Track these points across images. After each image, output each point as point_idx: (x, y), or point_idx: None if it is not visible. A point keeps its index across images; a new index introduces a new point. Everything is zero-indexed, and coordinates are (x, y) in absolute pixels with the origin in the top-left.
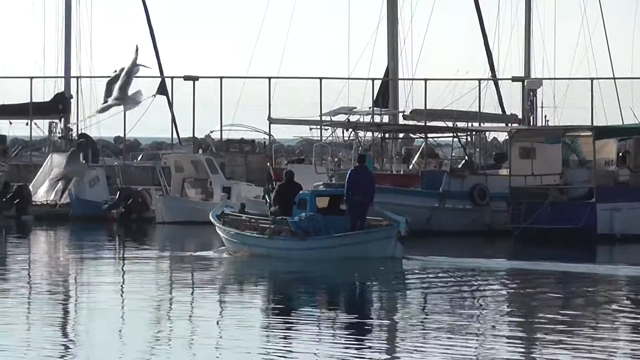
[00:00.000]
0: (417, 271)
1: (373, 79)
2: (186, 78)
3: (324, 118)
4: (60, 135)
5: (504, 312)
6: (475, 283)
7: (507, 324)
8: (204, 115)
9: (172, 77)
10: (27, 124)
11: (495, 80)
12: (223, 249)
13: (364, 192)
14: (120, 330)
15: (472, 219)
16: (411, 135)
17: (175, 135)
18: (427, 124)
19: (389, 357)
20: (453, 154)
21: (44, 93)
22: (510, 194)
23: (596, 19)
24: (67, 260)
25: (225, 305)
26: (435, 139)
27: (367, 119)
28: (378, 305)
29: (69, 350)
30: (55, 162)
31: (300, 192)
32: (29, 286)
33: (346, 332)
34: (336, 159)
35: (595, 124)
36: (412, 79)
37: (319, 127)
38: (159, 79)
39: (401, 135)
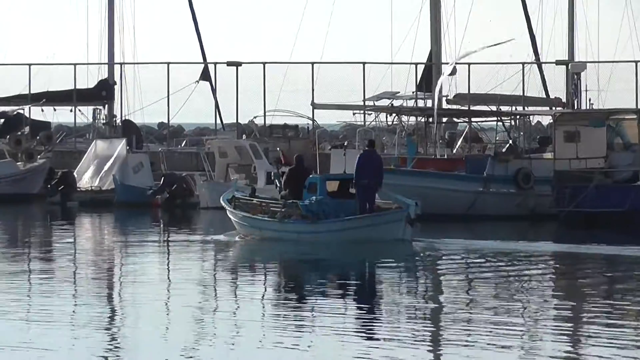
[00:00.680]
0: (429, 253)
1: (416, 64)
2: (229, 64)
3: (367, 103)
4: (104, 121)
5: (548, 295)
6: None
7: (555, 308)
8: (247, 100)
9: (215, 63)
10: (71, 110)
11: (539, 63)
12: (234, 232)
13: (372, 175)
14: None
15: (516, 203)
16: (455, 119)
17: (218, 121)
18: (471, 108)
19: (398, 346)
20: (497, 138)
21: (88, 80)
22: (554, 178)
23: None
24: (113, 246)
25: (234, 287)
26: (479, 123)
27: (411, 103)
28: (392, 288)
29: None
30: (99, 149)
31: (310, 176)
32: (76, 270)
33: (358, 316)
34: (380, 144)
35: None
36: (456, 63)
37: (362, 112)
38: (202, 65)
39: (445, 119)
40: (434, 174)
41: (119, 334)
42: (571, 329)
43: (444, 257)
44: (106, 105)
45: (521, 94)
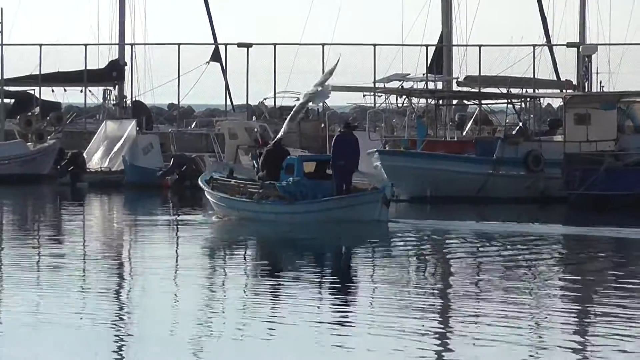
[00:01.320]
0: (405, 234)
1: (427, 45)
2: (240, 45)
3: (377, 85)
4: (114, 102)
5: (555, 279)
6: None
7: (562, 291)
8: (257, 82)
9: (225, 44)
10: (81, 91)
11: (549, 46)
12: (211, 213)
13: (348, 157)
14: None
15: (526, 186)
16: (465, 101)
17: (229, 102)
18: (481, 90)
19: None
20: (507, 121)
21: (98, 60)
22: (564, 161)
23: None
24: (122, 226)
25: (213, 268)
26: (489, 105)
27: (421, 85)
28: (368, 270)
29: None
30: (109, 129)
31: (288, 157)
32: (85, 252)
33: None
34: (390, 126)
35: None
36: (466, 45)
37: (372, 93)
38: (213, 46)
39: (455, 101)
40: (444, 157)
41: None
42: (579, 312)
43: (424, 238)
44: (116, 86)
45: (532, 76)
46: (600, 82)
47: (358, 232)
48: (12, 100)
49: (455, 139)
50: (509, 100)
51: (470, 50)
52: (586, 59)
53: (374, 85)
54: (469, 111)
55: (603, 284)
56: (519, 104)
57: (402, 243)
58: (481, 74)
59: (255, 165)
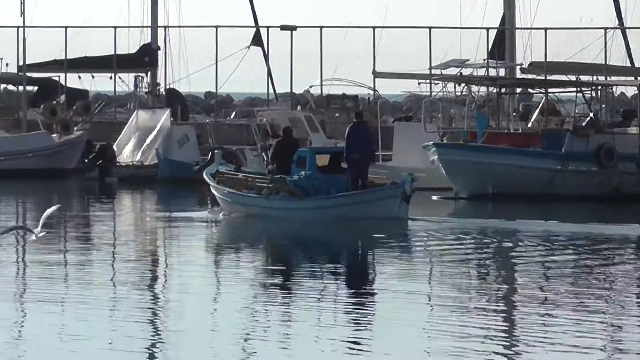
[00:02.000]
0: (427, 233)
1: (487, 29)
2: (283, 28)
3: (433, 71)
4: (146, 90)
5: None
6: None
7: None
8: (302, 68)
9: (267, 27)
10: (110, 77)
11: (622, 29)
12: (218, 209)
13: (363, 149)
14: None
15: (598, 182)
16: (530, 90)
17: (271, 91)
18: (548, 77)
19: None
20: (576, 111)
21: (129, 44)
22: None
23: None
24: (154, 228)
25: (219, 268)
26: (557, 94)
27: (481, 72)
28: (385, 273)
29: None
30: (140, 120)
31: (300, 149)
32: (113, 256)
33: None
34: (447, 117)
35: None
36: (531, 28)
37: (428, 81)
38: (254, 29)
39: (519, 90)
40: (507, 150)
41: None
42: None
43: (446, 238)
44: (149, 73)
45: (603, 62)
46: None
47: (375, 231)
48: (36, 88)
49: (519, 131)
50: (578, 89)
51: (535, 33)
52: None
53: (430, 72)
54: (534, 100)
55: None
56: (589, 92)
57: (423, 243)
58: (547, 60)
59: (265, 158)
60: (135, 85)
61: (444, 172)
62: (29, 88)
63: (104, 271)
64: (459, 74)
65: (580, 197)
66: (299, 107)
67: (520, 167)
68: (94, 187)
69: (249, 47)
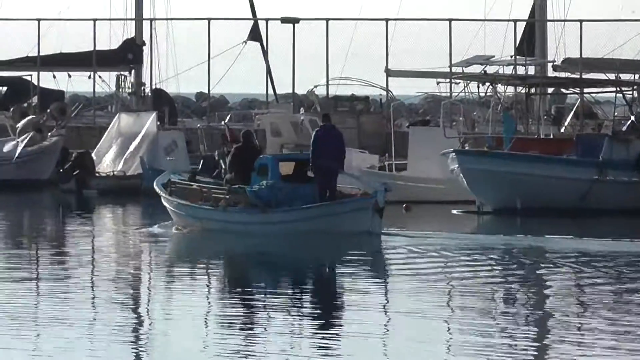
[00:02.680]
0: (402, 249)
1: (515, 21)
2: (284, 20)
3: (454, 69)
4: (129, 90)
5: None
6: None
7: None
8: (306, 66)
9: (266, 20)
10: (89, 77)
11: None
12: (169, 223)
13: (332, 155)
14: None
15: None
16: (563, 90)
17: (271, 91)
18: (583, 76)
19: None
20: (616, 114)
21: (110, 39)
22: None
23: None
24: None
25: (169, 293)
26: (594, 94)
27: (508, 70)
28: (357, 294)
29: None
30: (123, 124)
31: (261, 156)
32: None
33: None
34: (470, 120)
35: None
36: (564, 20)
37: (448, 80)
38: (251, 22)
39: (550, 90)
40: (537, 158)
41: None
42: None
43: (421, 255)
44: (133, 71)
45: None
46: None
47: (345, 247)
48: (4, 88)
49: (551, 136)
50: (618, 89)
51: (570, 26)
52: None
53: (450, 70)
54: (567, 102)
55: None
56: (631, 92)
57: (401, 261)
58: (583, 56)
59: (222, 166)
60: (117, 86)
61: (465, 183)
62: None
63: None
64: (482, 72)
65: (619, 211)
66: (302, 110)
67: (552, 178)
68: (70, 201)
69: (245, 42)
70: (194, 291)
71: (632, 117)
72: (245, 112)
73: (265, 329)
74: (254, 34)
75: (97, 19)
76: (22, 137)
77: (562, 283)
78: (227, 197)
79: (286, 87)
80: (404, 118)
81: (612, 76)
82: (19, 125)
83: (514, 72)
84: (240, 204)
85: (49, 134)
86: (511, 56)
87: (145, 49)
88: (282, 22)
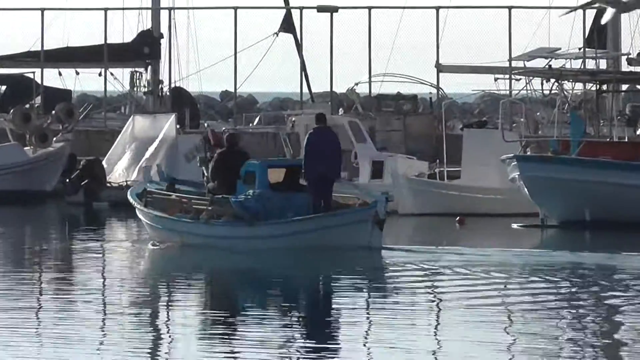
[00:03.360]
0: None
1: (584, 7)
2: (321, 9)
3: (514, 63)
4: (145, 89)
5: None
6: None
7: None
8: (345, 61)
9: (301, 8)
10: (100, 74)
11: None
12: (145, 238)
13: (327, 161)
14: None
15: None
16: (639, 87)
17: (305, 90)
18: None
19: None
20: None
21: (124, 32)
22: None
23: None
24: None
25: (138, 322)
26: None
27: (576, 64)
28: (354, 318)
29: None
30: (138, 128)
31: (248, 161)
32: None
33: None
34: (532, 122)
35: None
36: None
37: (507, 76)
38: (283, 11)
39: (624, 87)
40: (610, 164)
41: None
42: None
43: (429, 273)
44: (149, 67)
45: None
46: None
47: (341, 264)
48: (4, 87)
49: (626, 139)
50: None
51: None
52: None
53: (510, 64)
54: None
55: None
56: None
57: (405, 280)
58: None
59: (205, 174)
60: (132, 84)
61: (527, 193)
62: None
63: None
64: (547, 66)
65: None
66: (341, 111)
67: (625, 186)
68: (77, 215)
69: (277, 33)
70: (168, 320)
71: None
72: (277, 113)
73: None
74: (287, 25)
75: (108, 8)
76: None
77: (638, 307)
78: (210, 208)
79: (323, 85)
80: (457, 119)
81: None
82: None
83: (582, 67)
84: (224, 216)
85: (54, 138)
86: (579, 48)
87: (163, 42)
88: (318, 10)
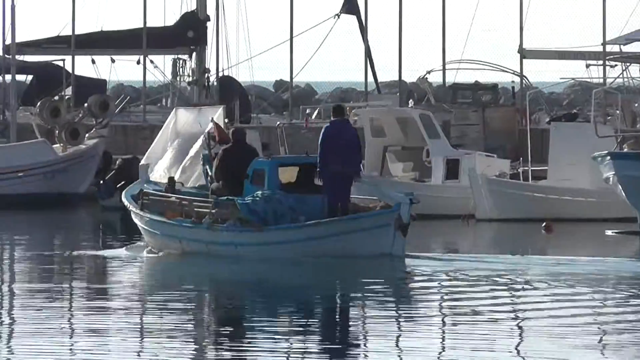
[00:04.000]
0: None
1: None
2: None
3: (609, 48)
4: (189, 79)
5: None
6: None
7: None
8: (415, 46)
9: None
10: (138, 62)
11: None
12: (141, 245)
13: (345, 158)
14: None
15: None
16: None
17: (371, 79)
18: None
19: None
20: None
21: (165, 14)
22: None
23: None
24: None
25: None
26: None
27: None
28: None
29: None
30: (182, 122)
31: (256, 159)
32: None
33: None
34: (630, 114)
35: None
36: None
37: (600, 62)
38: None
39: None
40: None
41: None
42: None
43: (454, 282)
44: (194, 54)
45: None
46: None
47: (360, 274)
48: (30, 77)
49: None
50: None
51: None
52: None
53: (604, 49)
54: None
55: None
56: None
57: (430, 290)
58: None
59: (208, 173)
60: (174, 73)
61: (623, 194)
62: (19, 77)
63: None
64: None
65: None
66: (411, 102)
67: None
68: (112, 220)
69: (338, 15)
70: (169, 335)
71: None
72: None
73: None
74: (350, 5)
75: None
76: None
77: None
78: (213, 211)
79: (391, 74)
80: (544, 111)
81: None
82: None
83: None
84: (229, 220)
85: (87, 135)
86: None
87: (210, 26)
88: None
